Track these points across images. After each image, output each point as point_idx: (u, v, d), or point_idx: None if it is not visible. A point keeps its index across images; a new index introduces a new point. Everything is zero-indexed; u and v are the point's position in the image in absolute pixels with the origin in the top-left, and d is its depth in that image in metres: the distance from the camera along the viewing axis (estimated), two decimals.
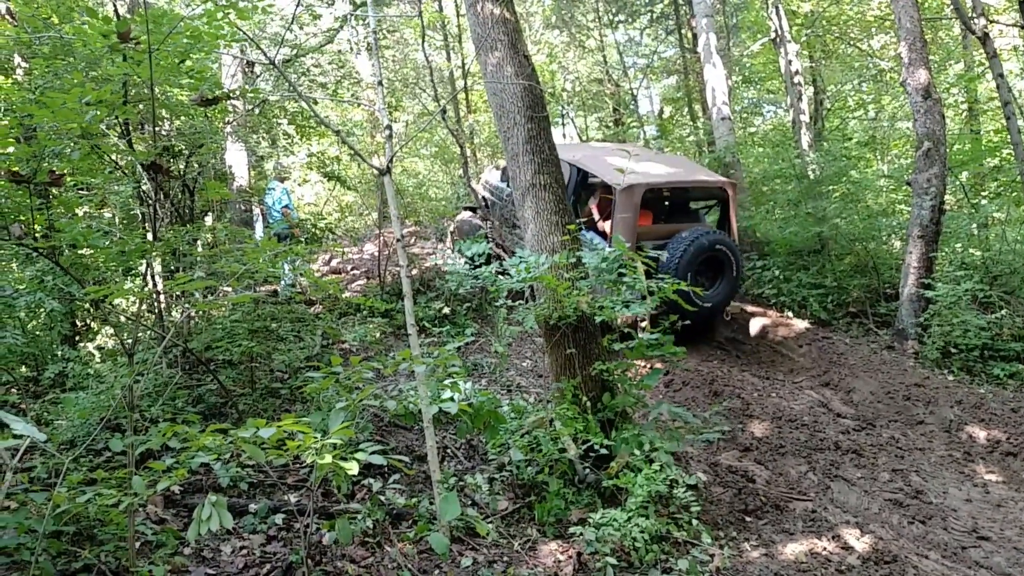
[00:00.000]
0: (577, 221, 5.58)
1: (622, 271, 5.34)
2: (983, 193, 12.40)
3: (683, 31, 20.57)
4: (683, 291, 5.32)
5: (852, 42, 17.93)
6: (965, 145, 13.38)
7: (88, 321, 7.37)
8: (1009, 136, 10.48)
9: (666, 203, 10.12)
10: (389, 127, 4.68)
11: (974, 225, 10.96)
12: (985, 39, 10.46)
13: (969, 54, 16.04)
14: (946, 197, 10.20)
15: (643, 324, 7.68)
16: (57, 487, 3.11)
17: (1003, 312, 8.85)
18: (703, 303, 8.36)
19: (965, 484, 5.90)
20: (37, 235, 4.09)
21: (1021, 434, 6.67)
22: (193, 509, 3.03)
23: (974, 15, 10.59)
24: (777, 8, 15.86)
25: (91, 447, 4.67)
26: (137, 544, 3.58)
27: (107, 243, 4.27)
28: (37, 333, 6.65)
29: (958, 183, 12.00)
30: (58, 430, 4.82)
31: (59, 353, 6.36)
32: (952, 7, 11.22)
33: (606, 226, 9.13)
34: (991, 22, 11.35)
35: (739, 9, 21.70)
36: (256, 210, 11.31)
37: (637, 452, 4.74)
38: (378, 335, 8.12)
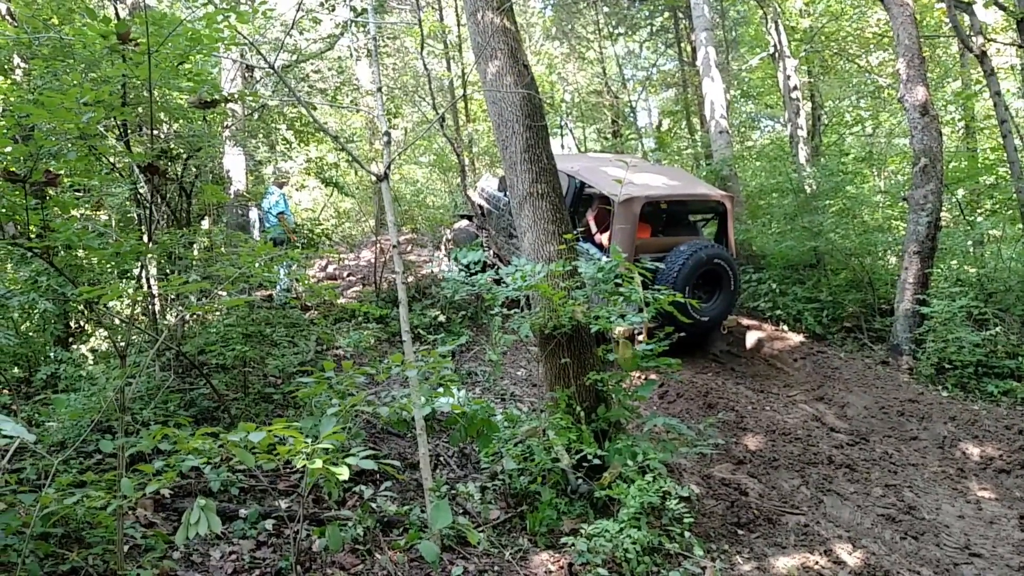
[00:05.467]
0: (574, 232, 5.57)
1: (618, 282, 5.33)
2: (979, 210, 12.44)
3: (682, 45, 20.68)
4: (680, 304, 5.31)
5: (850, 58, 18.00)
6: (962, 162, 13.43)
7: (82, 323, 7.34)
8: (1006, 154, 10.52)
9: (664, 216, 10.11)
10: (388, 134, 4.68)
11: (970, 242, 10.99)
12: (983, 57, 10.51)
13: (967, 72, 16.12)
14: (942, 214, 10.23)
15: (640, 337, 7.68)
16: (46, 488, 3.09)
17: (997, 329, 8.86)
18: (701, 316, 8.36)
19: (958, 500, 5.89)
20: (32, 235, 4.07)
21: (1014, 451, 6.66)
22: (183, 513, 3.01)
23: (972, 33, 10.64)
24: (776, 23, 15.93)
25: (81, 449, 4.65)
26: (125, 547, 3.55)
27: (102, 245, 4.25)
28: (30, 334, 6.62)
29: (954, 200, 12.04)
30: (49, 432, 4.79)
31: (52, 354, 6.33)
32: (950, 25, 11.28)
33: (603, 238, 9.12)
34: (989, 40, 11.41)
35: (738, 24, 21.82)
36: (253, 214, 11.30)
37: (630, 463, 4.73)
38: (372, 341, 8.11)
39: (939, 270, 10.18)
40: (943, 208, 10.32)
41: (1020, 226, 10.58)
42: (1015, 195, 10.26)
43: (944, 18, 14.10)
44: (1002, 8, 11.22)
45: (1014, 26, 11.18)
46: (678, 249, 8.57)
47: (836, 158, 13.91)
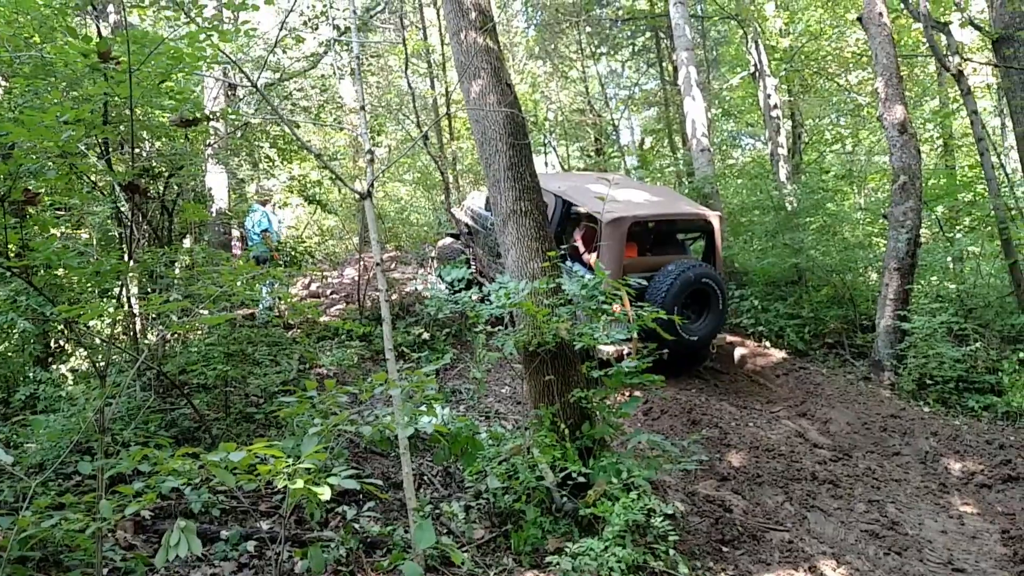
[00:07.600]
0: (561, 251, 5.57)
1: (603, 299, 5.32)
2: (958, 227, 12.58)
3: (664, 64, 20.87)
4: (669, 324, 5.30)
5: (830, 77, 18.21)
6: (940, 180, 13.59)
7: (61, 343, 7.26)
8: (983, 171, 10.66)
9: (651, 235, 10.09)
10: (371, 152, 4.68)
11: (949, 258, 11.12)
12: (960, 76, 10.66)
13: (944, 91, 16.36)
14: (922, 231, 10.34)
15: (629, 357, 7.67)
16: (23, 511, 3.04)
17: (978, 345, 8.94)
18: (689, 336, 8.34)
19: (940, 515, 5.92)
20: (11, 254, 4.04)
21: (996, 466, 6.71)
22: (163, 535, 2.97)
23: (949, 53, 10.80)
24: (756, 43, 16.12)
25: (60, 471, 4.59)
26: (105, 570, 3.50)
27: (82, 264, 4.21)
28: (9, 354, 6.55)
29: (933, 217, 12.17)
30: (27, 453, 4.73)
31: (31, 375, 6.26)
32: (928, 45, 11.44)
33: (591, 258, 9.10)
34: (965, 60, 11.58)
35: (719, 43, 22.08)
36: (236, 232, 11.27)
37: (615, 480, 4.71)
38: (356, 360, 8.07)
39: (919, 286, 10.27)
40: (922, 225, 10.42)
41: (998, 242, 10.69)
42: (993, 212, 10.38)
43: (921, 38, 14.32)
44: (978, 28, 11.41)
45: (990, 46, 11.37)
46: (666, 269, 8.52)
47: (816, 176, 14.08)
